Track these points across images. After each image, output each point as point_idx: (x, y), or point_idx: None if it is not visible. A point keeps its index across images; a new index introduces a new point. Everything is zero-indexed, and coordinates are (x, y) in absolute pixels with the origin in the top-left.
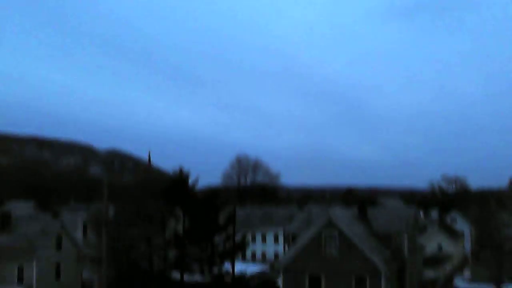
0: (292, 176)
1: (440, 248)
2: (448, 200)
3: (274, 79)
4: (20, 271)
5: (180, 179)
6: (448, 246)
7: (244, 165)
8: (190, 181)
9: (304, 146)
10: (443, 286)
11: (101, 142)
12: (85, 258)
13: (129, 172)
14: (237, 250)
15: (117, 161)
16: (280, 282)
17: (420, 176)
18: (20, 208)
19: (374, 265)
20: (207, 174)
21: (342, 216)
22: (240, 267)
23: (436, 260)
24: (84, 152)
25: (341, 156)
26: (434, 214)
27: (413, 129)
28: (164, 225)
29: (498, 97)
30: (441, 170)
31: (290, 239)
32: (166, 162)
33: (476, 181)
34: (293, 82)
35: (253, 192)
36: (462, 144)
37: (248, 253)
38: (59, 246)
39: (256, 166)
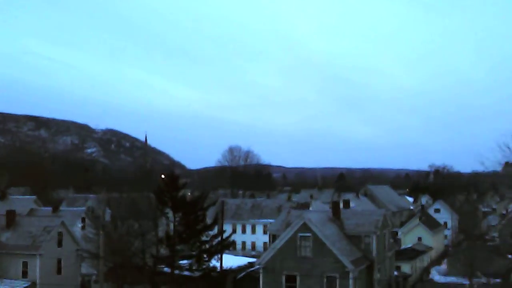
0: (289, 157)
1: (420, 240)
2: (436, 188)
3: (273, 59)
4: (25, 266)
5: (170, 181)
6: (428, 239)
7: (236, 154)
8: (180, 183)
9: (302, 126)
10: (419, 280)
11: (98, 121)
12: (84, 254)
13: (125, 151)
14: (224, 247)
15: (114, 140)
16: (260, 280)
17: (417, 157)
18: (23, 203)
19: (343, 265)
20: (204, 153)
21: (317, 219)
22: (229, 259)
23: (415, 253)
24: (81, 132)
25: (338, 137)
26: (424, 200)
27: (411, 110)
28: (156, 223)
29: (499, 80)
30: (438, 151)
31: (271, 238)
32: (163, 142)
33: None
34: (292, 62)
35: (247, 176)
36: (460, 126)
37: (239, 244)
38: (60, 243)
39: (247, 155)
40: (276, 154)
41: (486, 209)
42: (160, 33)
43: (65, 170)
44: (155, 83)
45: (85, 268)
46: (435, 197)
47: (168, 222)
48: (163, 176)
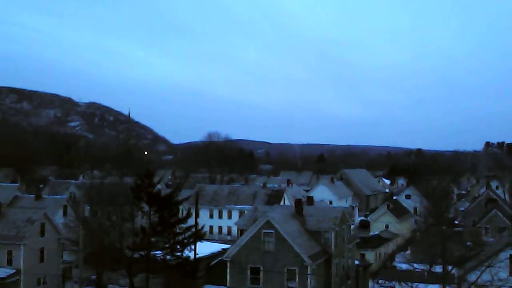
0: (273, 132)
1: (387, 227)
2: (414, 170)
3: (259, 34)
4: (9, 255)
5: (146, 178)
6: (395, 226)
7: (214, 141)
8: (155, 179)
9: (286, 102)
10: (382, 267)
11: (81, 95)
12: (65, 242)
13: (109, 125)
14: (198, 238)
15: (98, 114)
16: (227, 271)
17: (401, 135)
18: (6, 191)
19: (302, 260)
20: (188, 127)
21: (280, 216)
22: (203, 246)
23: (380, 240)
24: (64, 105)
25: (323, 113)
26: (400, 182)
27: (396, 88)
28: (133, 216)
29: (483, 59)
30: (422, 129)
31: (239, 232)
32: (147, 116)
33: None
34: (278, 38)
35: (230, 156)
36: (444, 104)
37: (215, 229)
38: (42, 233)
39: (226, 142)
40: (260, 130)
41: (461, 192)
42: (144, 6)
43: (48, 147)
44: (140, 57)
45: (66, 255)
46: (411, 179)
47: (144, 215)
48: (145, 153)
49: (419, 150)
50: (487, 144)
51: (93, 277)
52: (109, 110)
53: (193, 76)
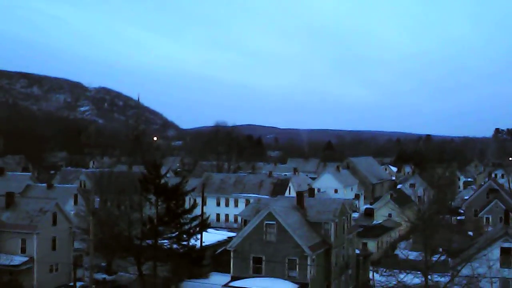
0: (282, 118)
1: (390, 216)
2: (422, 157)
3: (269, 19)
4: (23, 243)
5: (153, 170)
6: (398, 215)
7: (223, 126)
8: (162, 171)
9: (296, 87)
10: (384, 255)
11: (91, 79)
12: (76, 230)
13: (119, 110)
14: (203, 227)
15: (107, 99)
16: (231, 261)
17: (411, 120)
18: (19, 179)
19: (302, 250)
20: (197, 112)
21: (282, 208)
22: (210, 235)
23: (382, 230)
24: (74, 89)
25: (332, 99)
26: (407, 169)
27: (406, 73)
28: (141, 206)
29: (494, 45)
30: (432, 115)
31: (242, 223)
32: (156, 101)
33: (464, 130)
34: (287, 23)
35: (239, 142)
36: (454, 90)
37: (222, 216)
38: (54, 222)
39: (234, 128)
40: (270, 115)
41: (467, 179)
42: None
43: (58, 132)
44: (149, 42)
45: (77, 244)
46: (418, 166)
47: (151, 206)
48: (155, 138)
49: (428, 136)
50: (497, 130)
51: (103, 264)
52: (118, 95)
53: (203, 61)
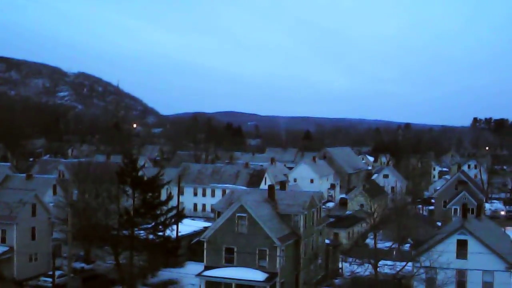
0: (263, 105)
1: (362, 207)
2: (400, 146)
3: (252, 5)
4: (3, 233)
5: (130, 163)
6: (369, 205)
7: (200, 121)
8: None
9: (279, 76)
10: (354, 245)
11: (70, 65)
12: (54, 220)
13: (98, 96)
14: (179, 218)
15: (87, 84)
16: (204, 251)
17: (391, 109)
18: None
19: (272, 241)
20: (177, 98)
21: (253, 201)
22: (186, 225)
23: (353, 220)
24: (53, 75)
25: (314, 86)
26: (384, 159)
27: (387, 61)
28: (118, 198)
29: (474, 33)
30: (412, 103)
31: (216, 215)
32: (136, 87)
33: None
34: (271, 10)
35: (219, 131)
36: (434, 78)
37: (199, 206)
38: (33, 213)
39: (209, 122)
40: (251, 102)
41: (442, 170)
42: None
43: (37, 118)
44: (130, 27)
45: (56, 234)
46: (395, 156)
47: (128, 198)
48: (135, 125)
49: (407, 125)
50: (475, 120)
51: (81, 254)
52: (98, 81)
53: (184, 47)
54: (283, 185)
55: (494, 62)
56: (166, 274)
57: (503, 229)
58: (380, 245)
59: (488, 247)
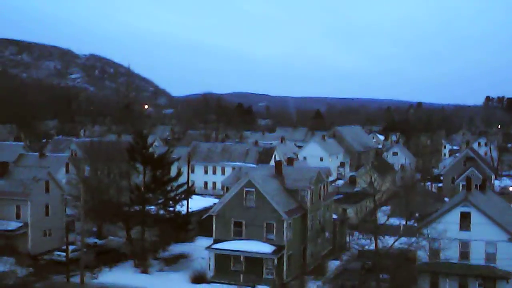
0: (274, 85)
1: (370, 184)
2: (411, 125)
3: None
4: (18, 209)
5: (140, 141)
6: (379, 182)
7: (211, 102)
8: (148, 142)
9: (290, 56)
10: (362, 220)
11: (81, 47)
12: (67, 197)
13: (109, 77)
14: (189, 194)
15: (98, 66)
16: (213, 225)
17: (402, 88)
18: (12, 149)
19: (279, 215)
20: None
21: (260, 175)
22: (196, 201)
23: (362, 196)
24: (64, 57)
25: (325, 66)
26: (394, 137)
27: (398, 40)
28: (129, 174)
29: (488, 9)
30: (423, 82)
31: (225, 190)
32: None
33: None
34: None
35: (230, 111)
36: (446, 57)
37: (210, 184)
38: (47, 189)
39: (219, 102)
40: (262, 83)
41: (454, 147)
42: None
43: (49, 101)
44: (141, 8)
45: (69, 210)
46: (406, 135)
47: (139, 175)
48: (146, 106)
49: (419, 104)
50: (487, 98)
51: (94, 229)
52: (109, 62)
53: (195, 28)
54: (290, 161)
55: (510, 40)
56: (177, 248)
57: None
58: (389, 220)
59: (491, 219)
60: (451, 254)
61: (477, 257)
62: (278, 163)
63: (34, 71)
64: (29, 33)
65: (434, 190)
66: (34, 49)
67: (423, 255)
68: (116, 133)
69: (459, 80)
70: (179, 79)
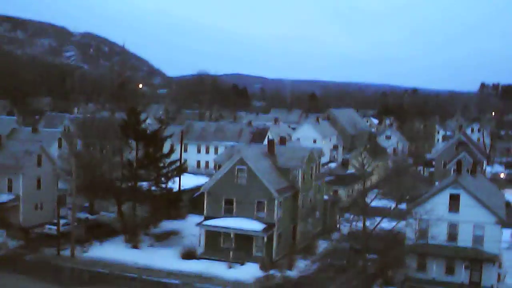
0: (270, 67)
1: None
2: (405, 110)
3: None
4: (10, 182)
5: (133, 117)
6: (371, 165)
7: (206, 82)
8: (141, 118)
9: (287, 38)
10: (353, 202)
11: (76, 24)
12: (60, 172)
13: (104, 56)
14: (181, 171)
15: (93, 45)
16: (204, 202)
17: (399, 73)
18: (4, 123)
19: (270, 193)
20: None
21: (252, 154)
22: (189, 179)
23: (353, 178)
24: (59, 34)
25: (324, 49)
26: (387, 121)
27: (396, 25)
28: (121, 150)
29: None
30: (420, 68)
31: (216, 167)
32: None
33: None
34: None
35: (224, 92)
36: (444, 43)
37: (202, 163)
38: (39, 163)
39: (221, 77)
40: (258, 65)
41: (446, 133)
42: None
43: (43, 78)
44: None
45: (62, 184)
46: (400, 119)
47: (131, 150)
48: (140, 86)
49: (414, 89)
50: (482, 85)
51: (86, 205)
52: (104, 41)
53: (191, 8)
54: (283, 140)
55: (507, 27)
56: (168, 225)
57: (503, 191)
58: (379, 203)
59: (479, 201)
60: (439, 235)
61: (465, 239)
62: (271, 142)
63: (29, 48)
64: (24, 10)
65: (425, 174)
66: (29, 26)
67: (411, 236)
68: (110, 110)
69: (455, 67)
70: (175, 59)
